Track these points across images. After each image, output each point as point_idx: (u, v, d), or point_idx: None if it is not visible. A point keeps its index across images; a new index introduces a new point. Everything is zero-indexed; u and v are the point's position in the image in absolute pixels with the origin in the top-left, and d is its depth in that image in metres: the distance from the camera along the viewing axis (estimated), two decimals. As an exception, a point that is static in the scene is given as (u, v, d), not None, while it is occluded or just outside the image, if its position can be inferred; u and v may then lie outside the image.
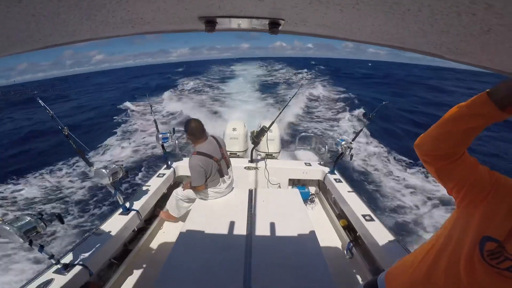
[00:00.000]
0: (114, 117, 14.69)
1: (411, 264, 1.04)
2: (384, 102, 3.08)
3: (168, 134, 3.25)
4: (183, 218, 2.89)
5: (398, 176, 7.80)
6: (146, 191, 2.92)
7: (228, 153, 4.10)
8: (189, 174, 2.54)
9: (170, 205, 2.98)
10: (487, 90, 0.72)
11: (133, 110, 15.94)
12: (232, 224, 2.28)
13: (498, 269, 0.75)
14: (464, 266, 0.81)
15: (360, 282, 2.36)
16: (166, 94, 20.36)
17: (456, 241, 0.86)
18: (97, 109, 19.17)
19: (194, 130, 2.54)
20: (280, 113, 3.57)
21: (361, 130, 3.32)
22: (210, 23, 0.81)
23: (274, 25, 0.81)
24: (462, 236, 0.85)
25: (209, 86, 25.21)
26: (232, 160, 3.04)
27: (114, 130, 12.30)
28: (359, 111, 13.74)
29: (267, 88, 22.70)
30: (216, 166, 2.58)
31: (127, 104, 17.65)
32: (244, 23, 0.83)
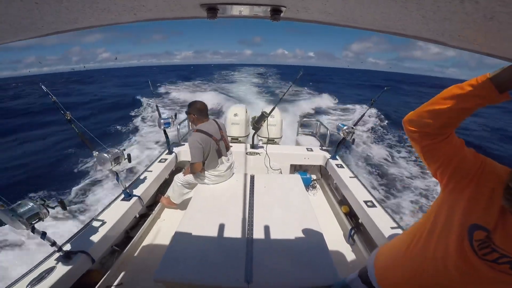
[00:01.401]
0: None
1: (399, 249, 1.04)
2: (385, 88, 3.09)
3: (170, 120, 3.25)
4: (184, 204, 2.91)
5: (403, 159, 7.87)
6: (148, 177, 2.93)
7: (230, 138, 4.08)
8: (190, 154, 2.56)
9: (171, 191, 3.01)
10: (488, 73, 0.73)
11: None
12: (233, 210, 2.29)
13: (486, 260, 0.75)
14: (454, 255, 0.81)
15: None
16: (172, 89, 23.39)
17: (441, 228, 0.86)
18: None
19: (198, 109, 2.61)
20: (281, 98, 3.55)
21: (363, 115, 3.32)
22: (211, 10, 0.81)
23: (275, 12, 0.81)
24: (448, 223, 0.84)
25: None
26: (234, 145, 3.01)
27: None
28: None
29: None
30: (214, 146, 2.62)
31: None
32: (245, 10, 0.82)
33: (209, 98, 15.98)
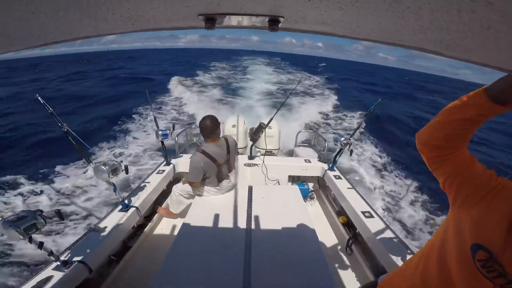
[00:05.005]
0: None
1: (406, 269, 1.04)
2: (380, 99, 3.14)
3: (168, 131, 3.25)
4: (182, 215, 2.90)
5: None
6: (146, 188, 2.92)
7: None
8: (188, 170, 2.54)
9: (170, 200, 2.99)
10: (486, 85, 0.76)
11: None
12: (231, 221, 2.28)
13: (492, 283, 0.72)
14: (458, 273, 0.80)
15: (357, 279, 2.36)
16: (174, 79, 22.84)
17: (445, 245, 0.86)
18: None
19: (204, 128, 2.50)
20: (278, 109, 3.56)
21: (360, 125, 3.36)
22: (209, 21, 0.81)
23: (273, 23, 0.81)
24: (453, 240, 0.84)
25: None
26: None
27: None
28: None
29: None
30: (215, 170, 2.57)
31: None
32: (244, 21, 0.83)
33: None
